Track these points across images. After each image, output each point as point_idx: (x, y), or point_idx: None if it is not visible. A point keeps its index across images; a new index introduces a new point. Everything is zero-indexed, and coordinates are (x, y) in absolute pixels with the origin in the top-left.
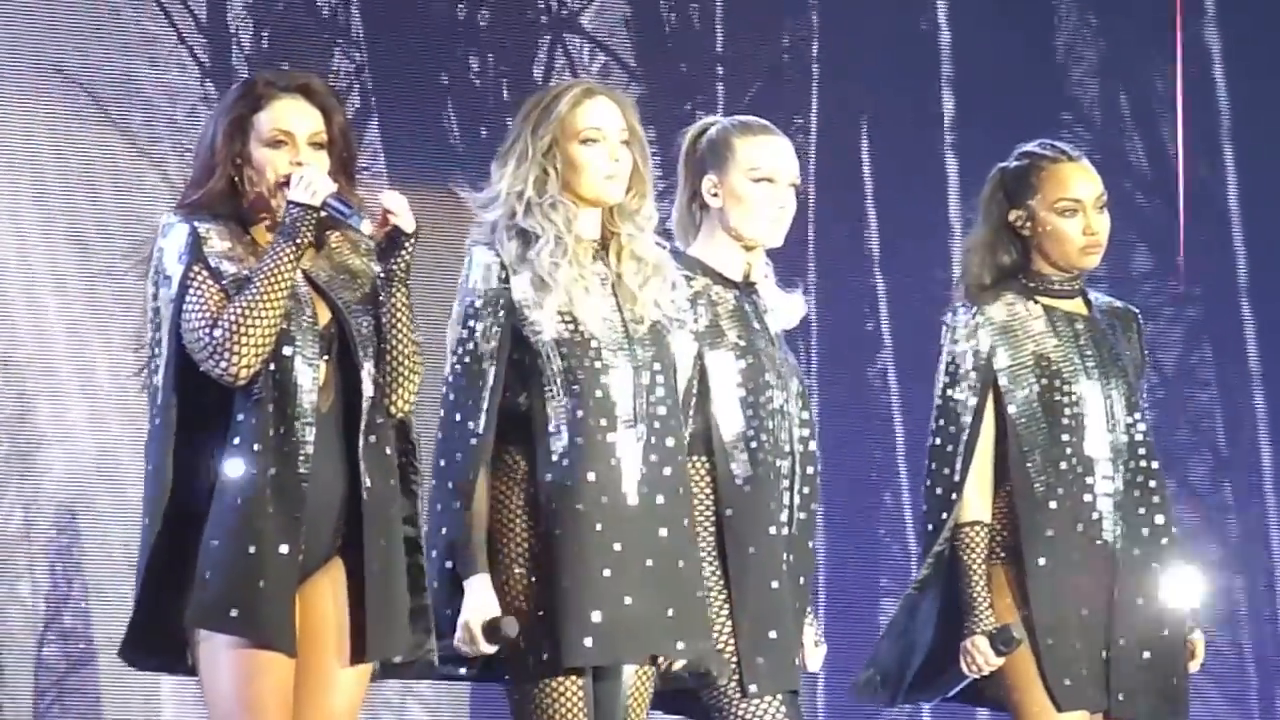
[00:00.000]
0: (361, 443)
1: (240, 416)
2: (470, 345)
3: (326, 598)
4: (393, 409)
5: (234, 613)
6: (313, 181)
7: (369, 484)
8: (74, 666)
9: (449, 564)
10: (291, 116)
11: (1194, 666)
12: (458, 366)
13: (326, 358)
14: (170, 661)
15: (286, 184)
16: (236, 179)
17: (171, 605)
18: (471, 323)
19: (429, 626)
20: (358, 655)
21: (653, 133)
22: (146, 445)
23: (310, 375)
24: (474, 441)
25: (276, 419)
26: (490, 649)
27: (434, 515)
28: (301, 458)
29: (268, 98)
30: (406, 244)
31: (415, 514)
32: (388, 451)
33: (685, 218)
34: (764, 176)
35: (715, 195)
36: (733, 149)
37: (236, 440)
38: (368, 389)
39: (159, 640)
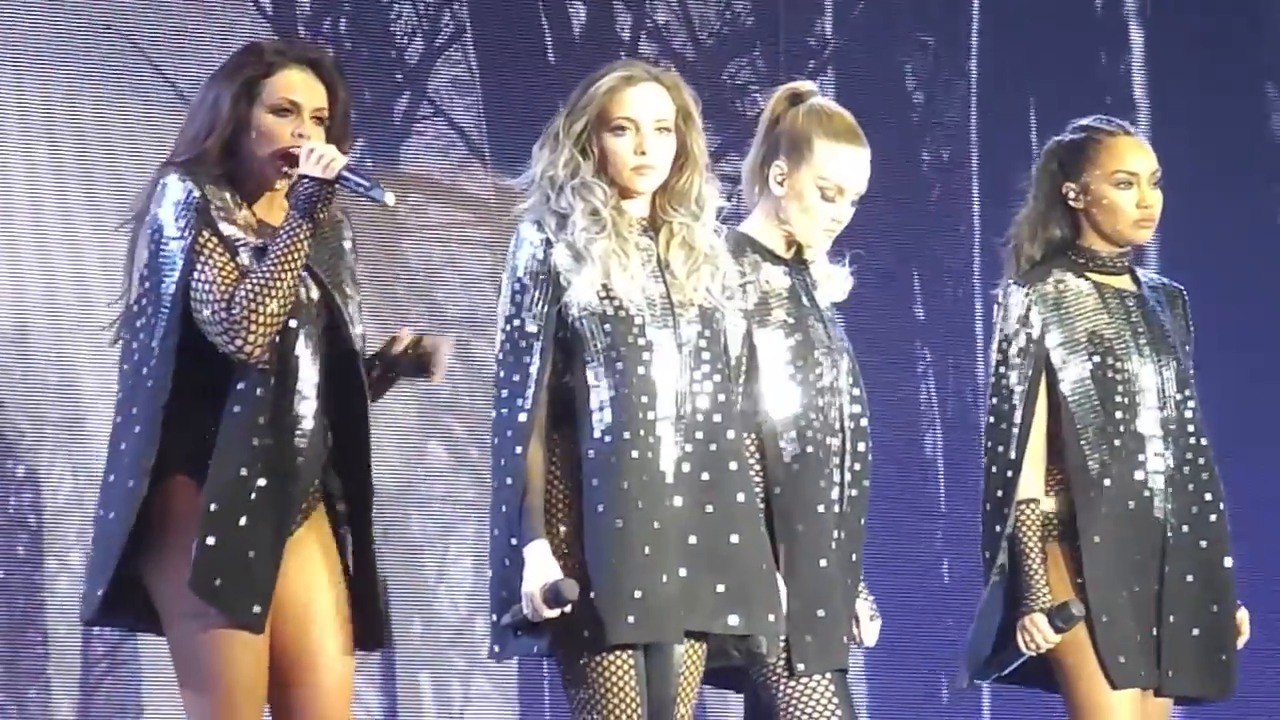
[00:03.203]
0: (368, 432)
1: (241, 385)
2: (516, 322)
3: (307, 574)
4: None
5: (218, 582)
6: (324, 154)
7: (369, 477)
8: (125, 636)
9: (513, 540)
10: (300, 87)
11: (1240, 644)
12: (506, 344)
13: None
14: (133, 620)
15: (288, 156)
16: (234, 143)
17: (140, 566)
18: (518, 299)
19: None
20: (360, 642)
21: (759, 51)
22: (129, 401)
23: (310, 350)
24: (521, 418)
25: (277, 392)
26: (552, 613)
27: (492, 494)
28: (299, 433)
29: (279, 65)
30: (420, 377)
31: None
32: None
33: (753, 175)
34: (831, 190)
35: (780, 183)
36: (812, 148)
37: (237, 409)
38: (364, 372)
39: (127, 599)
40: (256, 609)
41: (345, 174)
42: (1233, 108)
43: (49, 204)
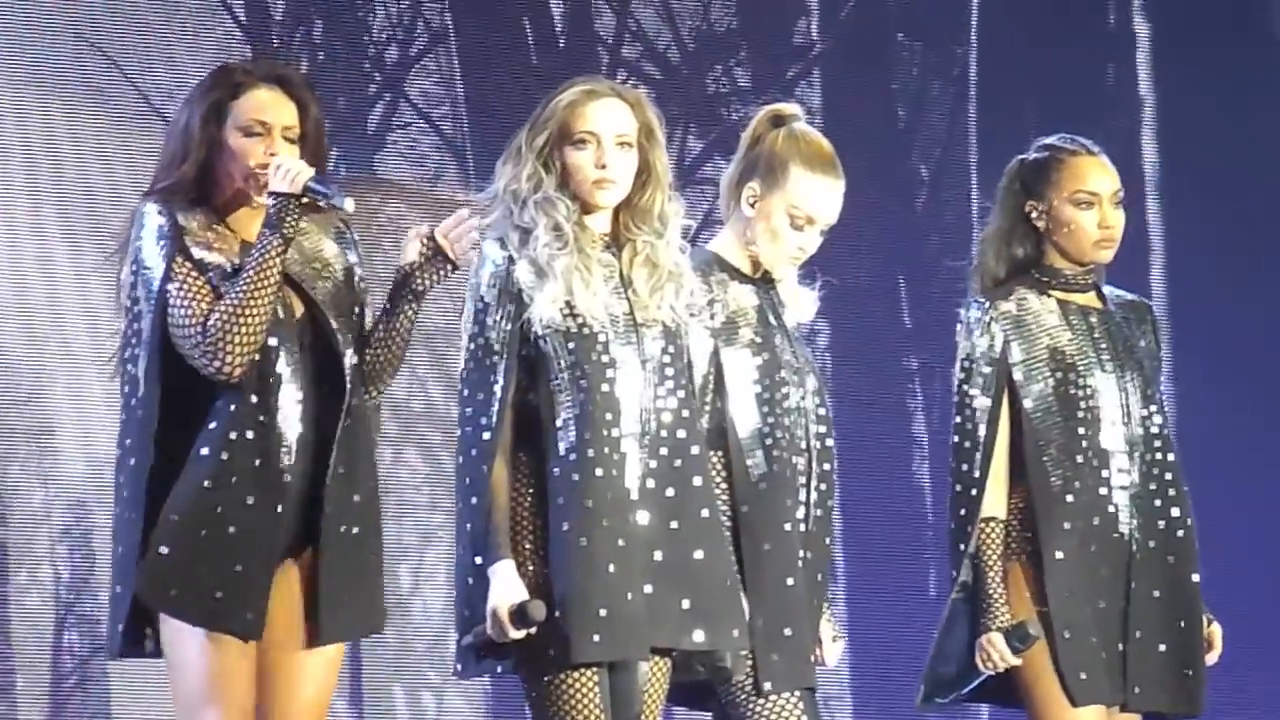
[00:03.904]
0: (340, 428)
1: (219, 403)
2: (481, 340)
3: (293, 583)
4: (368, 397)
5: (173, 592)
6: (290, 169)
7: (340, 470)
8: (95, 652)
9: (477, 558)
10: (269, 107)
11: (1212, 658)
12: (470, 363)
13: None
14: (155, 648)
15: (259, 175)
16: (209, 167)
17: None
18: (481, 317)
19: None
20: (312, 638)
21: (744, 53)
22: (123, 430)
23: (292, 367)
24: (486, 436)
25: (258, 409)
26: (518, 634)
27: (457, 513)
28: (284, 449)
29: (246, 86)
30: (445, 270)
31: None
32: (360, 434)
33: (729, 192)
34: (801, 220)
35: (751, 205)
36: (788, 176)
37: (212, 425)
38: (350, 377)
39: (146, 628)
40: (249, 615)
41: (311, 185)
42: (1241, 102)
43: (19, 216)
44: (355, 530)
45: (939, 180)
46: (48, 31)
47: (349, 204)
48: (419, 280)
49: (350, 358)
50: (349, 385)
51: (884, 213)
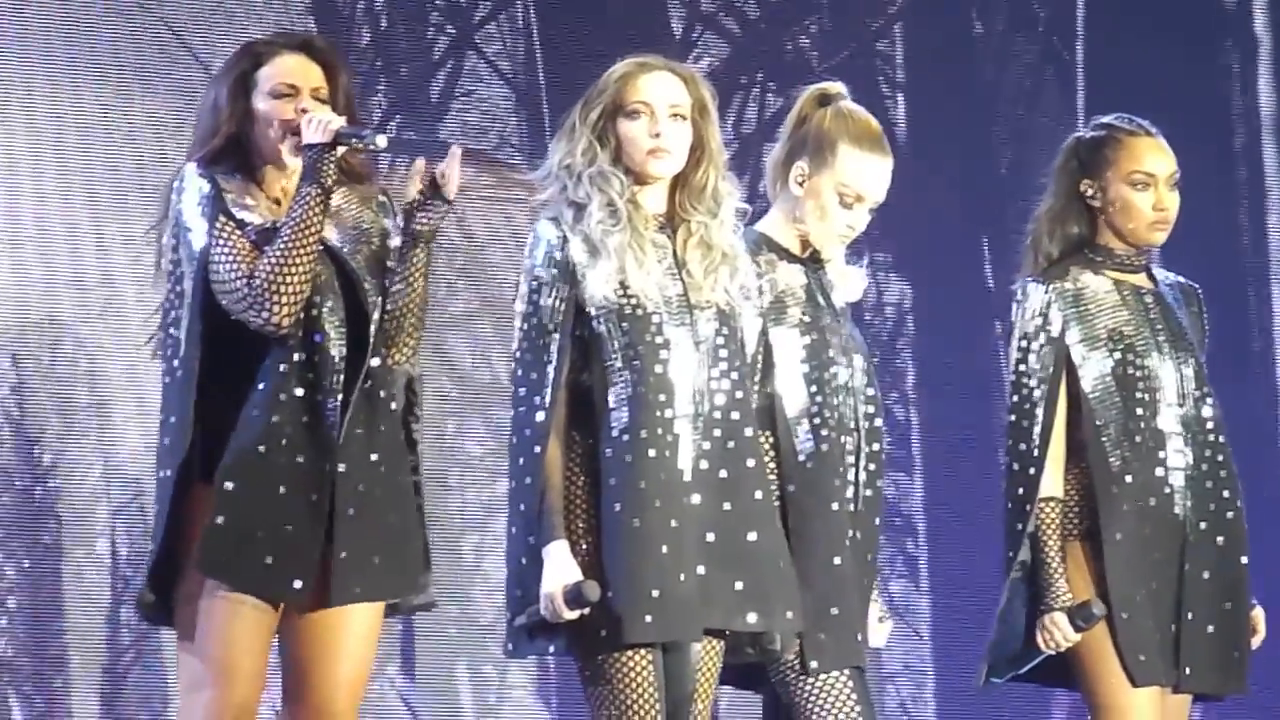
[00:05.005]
0: (356, 389)
1: (267, 363)
2: (534, 320)
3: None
4: (390, 360)
5: (227, 559)
6: (321, 119)
7: (357, 430)
8: (154, 627)
9: (531, 539)
10: (295, 70)
11: (1256, 642)
12: (524, 342)
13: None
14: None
15: (297, 132)
16: (242, 137)
17: (186, 556)
18: (535, 297)
19: (428, 565)
20: (320, 599)
21: (825, 10)
22: (164, 396)
23: (334, 326)
24: (539, 416)
25: (306, 368)
26: (573, 615)
27: (510, 492)
28: (330, 406)
29: (269, 55)
30: (441, 208)
31: (418, 462)
32: (382, 395)
33: (776, 172)
34: (850, 198)
35: (800, 184)
36: (836, 154)
37: (261, 385)
38: (373, 337)
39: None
40: (298, 584)
41: (343, 130)
42: None
43: (79, 192)
44: (377, 492)
45: (1024, 138)
46: (107, 1)
47: (381, 140)
48: (419, 221)
49: (376, 320)
50: (370, 345)
51: (967, 172)
